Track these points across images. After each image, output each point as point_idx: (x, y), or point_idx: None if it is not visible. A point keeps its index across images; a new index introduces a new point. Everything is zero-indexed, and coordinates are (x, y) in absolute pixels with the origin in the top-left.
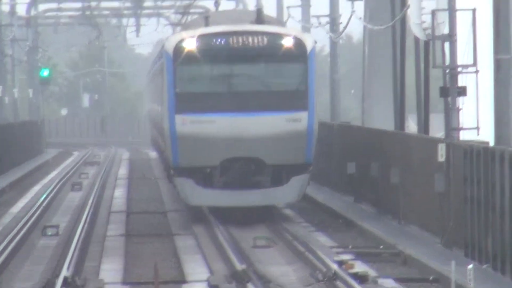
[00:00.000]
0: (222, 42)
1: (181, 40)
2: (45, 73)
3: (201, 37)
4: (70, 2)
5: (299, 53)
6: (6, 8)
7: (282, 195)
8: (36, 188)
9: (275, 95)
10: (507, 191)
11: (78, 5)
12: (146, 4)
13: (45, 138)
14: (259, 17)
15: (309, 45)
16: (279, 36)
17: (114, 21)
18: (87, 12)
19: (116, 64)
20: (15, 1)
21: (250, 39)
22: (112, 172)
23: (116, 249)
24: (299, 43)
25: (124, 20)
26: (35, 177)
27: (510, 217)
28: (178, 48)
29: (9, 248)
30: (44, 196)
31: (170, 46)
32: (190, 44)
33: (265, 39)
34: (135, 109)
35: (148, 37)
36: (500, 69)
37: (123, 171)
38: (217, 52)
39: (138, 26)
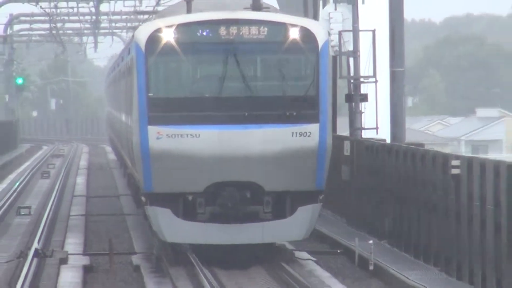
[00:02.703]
0: (210, 33)
1: (157, 30)
2: (20, 81)
3: (183, 26)
4: (40, 23)
5: (309, 48)
6: None
7: (285, 231)
8: (11, 176)
9: (278, 102)
10: (401, 180)
11: (46, 25)
12: (103, 25)
13: (19, 135)
14: (256, 3)
15: (321, 38)
16: (283, 26)
17: (76, 39)
18: (54, 32)
19: (78, 74)
20: None
21: (245, 30)
22: (74, 163)
23: (78, 227)
24: (308, 36)
25: (84, 38)
26: (11, 167)
27: (400, 201)
28: (152, 40)
29: None
30: (18, 183)
31: (142, 37)
32: (168, 35)
33: (265, 30)
34: (95, 112)
35: (104, 52)
36: (395, 79)
37: (83, 163)
38: (203, 46)
39: (96, 43)
